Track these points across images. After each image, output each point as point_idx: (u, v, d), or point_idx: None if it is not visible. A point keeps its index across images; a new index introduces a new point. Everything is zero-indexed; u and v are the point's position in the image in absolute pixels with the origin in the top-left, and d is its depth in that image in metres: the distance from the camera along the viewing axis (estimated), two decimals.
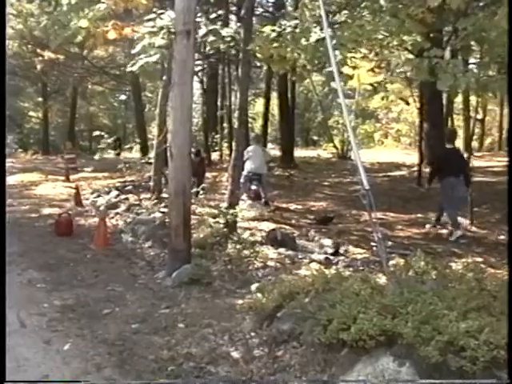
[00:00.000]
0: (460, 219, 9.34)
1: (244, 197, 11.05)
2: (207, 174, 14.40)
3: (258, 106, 31.00)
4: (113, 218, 9.98)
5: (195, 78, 18.33)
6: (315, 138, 36.79)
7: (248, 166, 11.29)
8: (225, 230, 7.86)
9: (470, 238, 9.02)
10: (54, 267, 6.92)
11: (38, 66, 18.32)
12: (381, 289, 4.26)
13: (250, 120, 23.36)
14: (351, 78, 13.73)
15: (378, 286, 4.33)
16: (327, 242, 8.10)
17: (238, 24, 13.79)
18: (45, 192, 13.99)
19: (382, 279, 4.79)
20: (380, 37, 8.64)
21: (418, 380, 3.28)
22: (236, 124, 9.35)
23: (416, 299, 3.84)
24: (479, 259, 7.04)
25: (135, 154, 21.96)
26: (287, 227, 9.52)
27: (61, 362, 4.13)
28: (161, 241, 7.79)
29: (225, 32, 10.28)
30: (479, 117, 23.31)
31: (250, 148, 11.71)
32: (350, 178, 14.09)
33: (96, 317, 5.11)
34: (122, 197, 11.97)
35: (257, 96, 31.31)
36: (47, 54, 16.45)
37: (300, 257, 7.30)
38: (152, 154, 13.02)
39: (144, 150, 20.49)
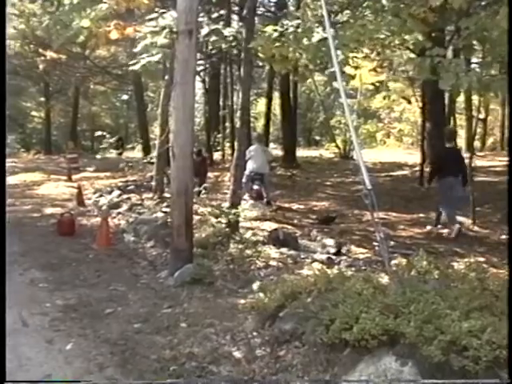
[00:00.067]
0: (461, 219, 9.33)
1: (246, 196, 11.05)
2: (209, 174, 14.42)
3: (260, 105, 30.98)
4: (115, 217, 9.98)
5: (197, 77, 18.30)
6: (317, 137, 36.80)
7: (250, 166, 11.30)
8: (227, 229, 7.85)
9: (472, 238, 9.02)
10: (56, 267, 6.92)
11: (40, 66, 18.36)
12: (383, 288, 4.26)
13: (252, 120, 23.35)
14: (353, 77, 13.78)
15: (380, 286, 4.33)
16: (329, 241, 8.09)
17: (240, 24, 13.78)
18: (47, 192, 14.01)
19: (384, 279, 4.79)
20: (382, 36, 8.63)
21: (420, 380, 3.28)
22: (238, 124, 9.33)
23: (418, 299, 3.83)
24: (481, 259, 7.04)
25: (137, 153, 22.00)
26: (289, 227, 9.51)
27: (63, 361, 4.14)
28: (163, 240, 7.79)
29: (227, 32, 10.29)
30: (481, 116, 23.31)
31: (252, 148, 11.72)
32: (352, 177, 14.10)
33: (98, 316, 5.11)
34: (124, 196, 11.98)
35: (259, 96, 31.30)
36: (49, 54, 16.45)
37: (302, 256, 7.29)
38: (154, 154, 13.03)
39: (146, 150, 20.55)
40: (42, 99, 31.92)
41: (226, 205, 8.70)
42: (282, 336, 4.21)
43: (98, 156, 18.88)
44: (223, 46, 10.70)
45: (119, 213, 10.34)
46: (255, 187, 11.45)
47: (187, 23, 6.34)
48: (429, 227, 9.64)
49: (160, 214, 9.30)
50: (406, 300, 3.85)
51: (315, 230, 9.12)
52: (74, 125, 31.35)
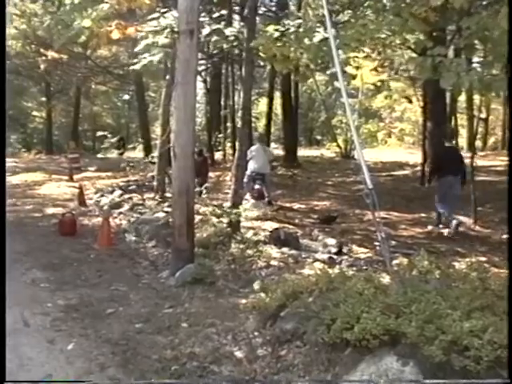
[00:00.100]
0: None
1: (247, 196, 11.05)
2: (211, 174, 14.42)
3: (262, 105, 30.98)
4: (116, 217, 9.99)
5: (198, 77, 18.29)
6: (318, 137, 36.79)
7: (251, 166, 11.30)
8: (228, 229, 7.86)
9: (473, 237, 9.02)
10: (57, 267, 6.93)
11: (42, 66, 18.36)
12: (384, 288, 4.25)
13: (253, 119, 23.33)
14: (354, 77, 13.74)
15: (381, 286, 4.33)
16: (331, 241, 8.09)
17: (242, 23, 13.80)
18: (48, 192, 14.02)
19: (385, 278, 4.78)
20: (383, 36, 8.62)
21: (421, 379, 3.28)
22: (239, 123, 9.33)
23: (420, 298, 3.83)
24: (483, 258, 7.02)
25: (138, 153, 22.00)
26: (290, 226, 9.52)
27: (64, 361, 4.14)
28: (164, 240, 7.80)
29: (228, 31, 10.26)
30: (483, 116, 23.29)
31: (254, 147, 11.73)
32: (354, 177, 14.10)
33: (99, 316, 5.12)
34: (126, 196, 12.00)
35: (260, 95, 31.29)
36: (51, 54, 16.48)
37: (303, 256, 7.30)
38: (155, 154, 13.04)
39: (147, 150, 20.53)
40: (44, 99, 31.91)
41: (227, 204, 8.70)
42: (283, 336, 4.21)
43: (100, 156, 18.91)
44: (224, 45, 10.67)
45: (120, 213, 10.35)
46: (256, 187, 11.46)
47: (188, 23, 6.35)
48: (430, 227, 9.63)
49: (161, 214, 9.31)
50: (407, 300, 3.85)
51: (316, 230, 9.13)
52: (76, 125, 31.34)
